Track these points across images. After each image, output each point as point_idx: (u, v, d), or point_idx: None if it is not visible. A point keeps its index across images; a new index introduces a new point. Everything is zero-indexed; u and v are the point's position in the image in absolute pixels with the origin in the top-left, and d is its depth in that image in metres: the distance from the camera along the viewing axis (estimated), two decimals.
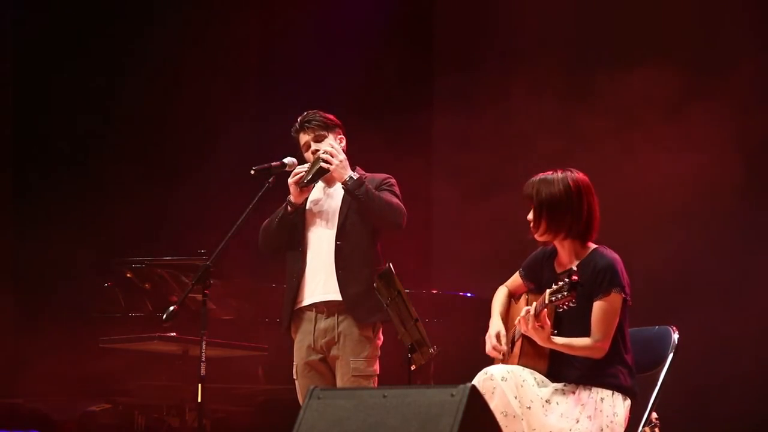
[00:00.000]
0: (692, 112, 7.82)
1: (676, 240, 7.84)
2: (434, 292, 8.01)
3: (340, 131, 5.64)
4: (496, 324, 4.80)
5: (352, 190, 5.44)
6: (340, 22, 9.20)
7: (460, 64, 9.20)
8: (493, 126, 8.76)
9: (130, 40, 9.12)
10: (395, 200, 5.50)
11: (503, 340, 4.74)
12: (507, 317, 4.86)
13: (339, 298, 5.47)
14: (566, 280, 4.38)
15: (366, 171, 5.63)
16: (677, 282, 7.75)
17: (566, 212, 4.60)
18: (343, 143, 5.63)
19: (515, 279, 4.92)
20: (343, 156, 5.49)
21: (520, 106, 8.58)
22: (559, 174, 4.65)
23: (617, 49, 8.27)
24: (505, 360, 4.71)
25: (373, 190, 5.46)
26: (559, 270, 4.69)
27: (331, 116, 5.64)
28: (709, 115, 7.82)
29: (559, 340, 4.54)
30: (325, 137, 5.58)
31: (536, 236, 4.70)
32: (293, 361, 5.60)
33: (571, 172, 4.66)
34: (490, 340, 4.76)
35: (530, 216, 4.68)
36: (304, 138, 5.61)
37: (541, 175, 4.68)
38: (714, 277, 7.76)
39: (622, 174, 7.84)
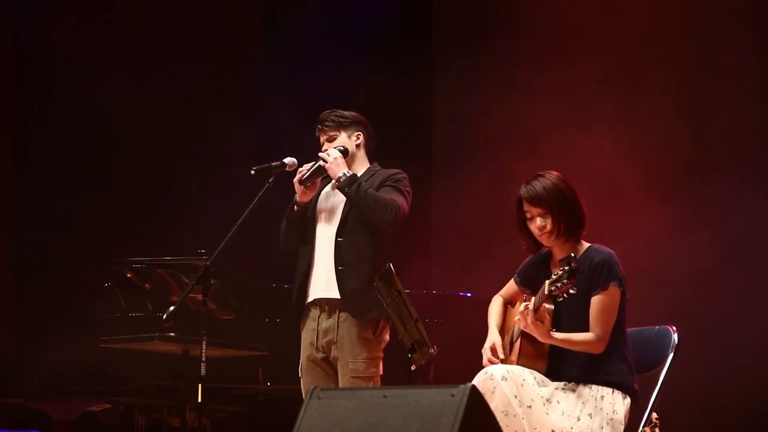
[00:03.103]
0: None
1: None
2: (434, 292, 8.01)
3: (357, 127, 5.66)
4: (492, 336, 4.80)
5: (342, 187, 5.47)
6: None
7: (459, 63, 9.20)
8: (495, 125, 8.76)
9: (128, 34, 9.14)
10: (390, 197, 5.47)
11: (499, 350, 4.74)
12: (504, 327, 4.87)
13: (337, 295, 5.48)
14: (565, 267, 4.38)
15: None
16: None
17: (576, 208, 4.63)
18: (360, 139, 5.65)
19: (510, 287, 4.92)
20: (337, 154, 5.51)
21: (523, 102, 8.58)
22: (546, 176, 4.65)
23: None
24: (505, 360, 4.72)
25: (365, 188, 5.45)
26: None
27: (347, 114, 5.66)
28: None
29: (559, 335, 4.54)
30: (338, 136, 5.62)
31: (550, 242, 4.66)
32: (299, 359, 5.61)
33: (551, 173, 4.67)
34: (485, 354, 4.77)
35: (541, 222, 4.63)
36: (321, 138, 5.69)
37: (532, 181, 4.66)
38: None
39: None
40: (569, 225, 4.62)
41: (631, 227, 7.76)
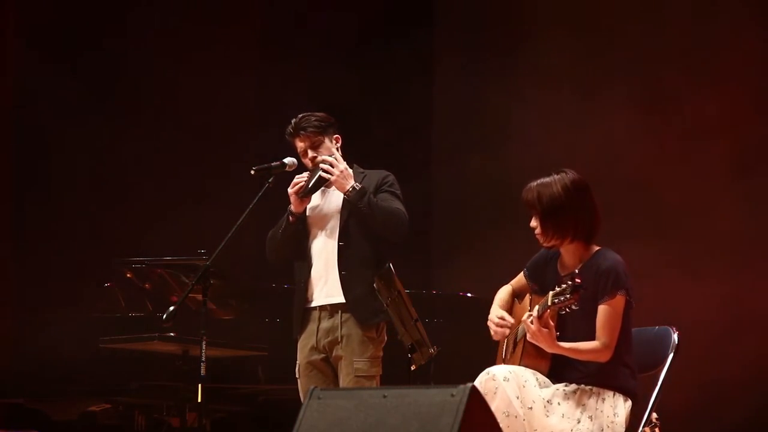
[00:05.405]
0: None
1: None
2: (434, 292, 8.01)
3: (335, 129, 5.59)
4: (494, 310, 4.80)
5: (354, 202, 5.40)
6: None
7: (460, 54, 9.19)
8: (494, 123, 8.77)
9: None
10: (396, 206, 5.46)
11: (507, 316, 4.73)
12: (509, 313, 4.85)
13: (342, 300, 5.46)
14: (569, 282, 4.38)
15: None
16: None
17: (569, 215, 4.58)
18: (339, 142, 5.59)
19: (520, 279, 4.91)
20: (343, 165, 5.44)
21: (523, 100, 8.58)
22: (556, 176, 4.63)
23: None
24: (507, 360, 4.71)
25: (375, 201, 5.42)
26: (562, 272, 4.69)
27: (324, 116, 5.57)
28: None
29: (566, 344, 4.53)
30: (322, 142, 5.52)
31: (544, 243, 4.68)
32: (297, 361, 5.59)
33: (566, 173, 4.64)
34: (491, 323, 4.75)
35: (533, 223, 4.66)
36: (299, 144, 5.55)
37: (538, 181, 4.65)
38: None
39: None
40: (558, 228, 4.60)
41: (632, 224, 7.77)
